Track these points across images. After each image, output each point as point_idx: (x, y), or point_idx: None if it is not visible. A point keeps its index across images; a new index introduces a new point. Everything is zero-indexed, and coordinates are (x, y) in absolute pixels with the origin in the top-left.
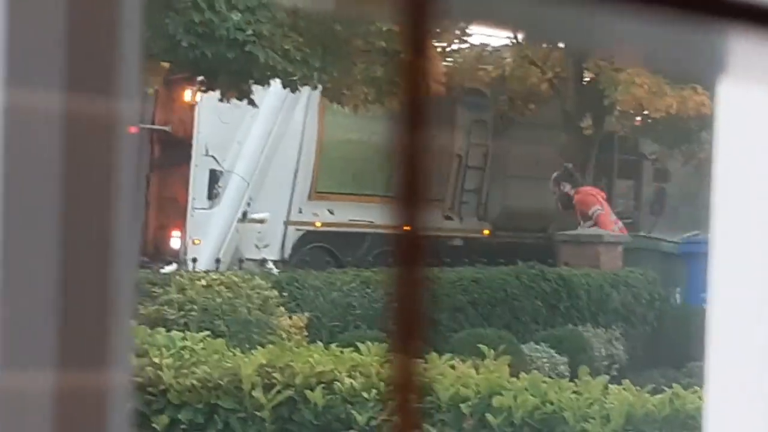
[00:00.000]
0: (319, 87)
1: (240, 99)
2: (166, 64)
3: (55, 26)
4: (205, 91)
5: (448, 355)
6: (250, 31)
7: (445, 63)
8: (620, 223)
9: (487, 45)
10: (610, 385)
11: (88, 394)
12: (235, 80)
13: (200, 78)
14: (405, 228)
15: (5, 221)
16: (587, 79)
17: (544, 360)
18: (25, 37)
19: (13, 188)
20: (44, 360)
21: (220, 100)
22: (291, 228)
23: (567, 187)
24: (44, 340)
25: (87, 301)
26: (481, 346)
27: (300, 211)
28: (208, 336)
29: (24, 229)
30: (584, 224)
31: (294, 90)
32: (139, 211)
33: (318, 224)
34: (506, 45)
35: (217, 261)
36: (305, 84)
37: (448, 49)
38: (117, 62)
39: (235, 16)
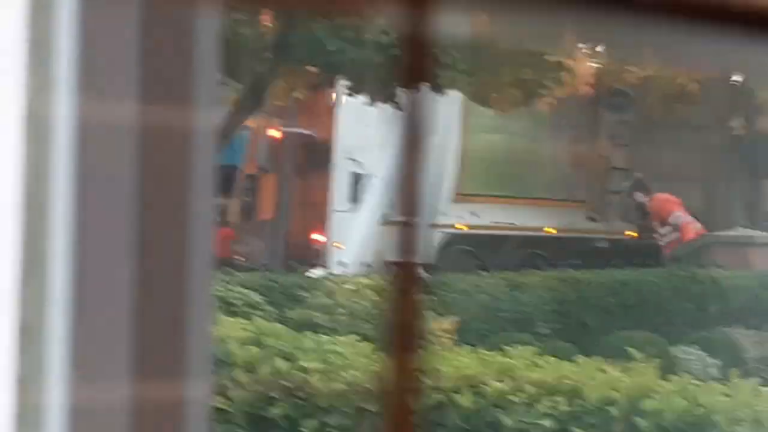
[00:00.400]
0: (465, 89)
1: (385, 102)
2: (312, 69)
3: (129, 37)
4: (350, 95)
5: (597, 358)
6: (396, 35)
7: (591, 64)
8: (698, 225)
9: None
10: (761, 388)
11: (165, 407)
12: (380, 83)
13: (345, 82)
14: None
15: (81, 232)
16: (737, 78)
17: (695, 362)
18: (100, 49)
19: (89, 200)
20: (120, 372)
21: (366, 103)
22: (435, 231)
23: (640, 197)
24: (120, 353)
25: (162, 312)
26: (630, 348)
27: (444, 214)
28: (356, 340)
29: (99, 240)
30: (662, 230)
31: (439, 92)
32: (213, 222)
33: (462, 227)
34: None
35: (364, 264)
36: (451, 86)
37: (594, 50)
38: (192, 73)
39: (381, 20)
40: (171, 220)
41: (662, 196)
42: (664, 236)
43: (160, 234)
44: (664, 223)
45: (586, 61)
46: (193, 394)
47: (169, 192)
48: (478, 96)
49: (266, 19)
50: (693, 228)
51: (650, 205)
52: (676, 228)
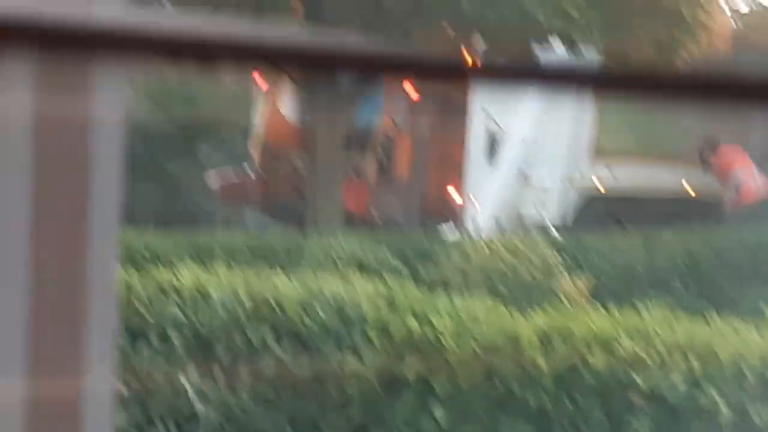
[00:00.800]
0: (600, 48)
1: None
2: (447, 27)
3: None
4: (486, 55)
5: (730, 317)
6: None
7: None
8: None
9: None
10: None
11: (62, 403)
12: (516, 41)
13: (481, 40)
14: None
15: None
16: None
17: None
18: None
19: None
20: (14, 369)
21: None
22: (572, 190)
23: (707, 155)
24: (13, 348)
25: (60, 307)
26: (764, 307)
27: (582, 174)
28: (489, 299)
29: None
30: (725, 188)
31: (575, 51)
32: (117, 215)
33: (600, 187)
34: None
35: (498, 223)
36: (586, 45)
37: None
38: (90, 63)
39: None
40: (70, 212)
41: (726, 150)
42: (726, 195)
43: (56, 226)
44: (726, 180)
45: (724, 19)
46: (93, 389)
47: (68, 184)
48: (613, 55)
49: None
50: (755, 189)
51: (714, 162)
52: (737, 188)
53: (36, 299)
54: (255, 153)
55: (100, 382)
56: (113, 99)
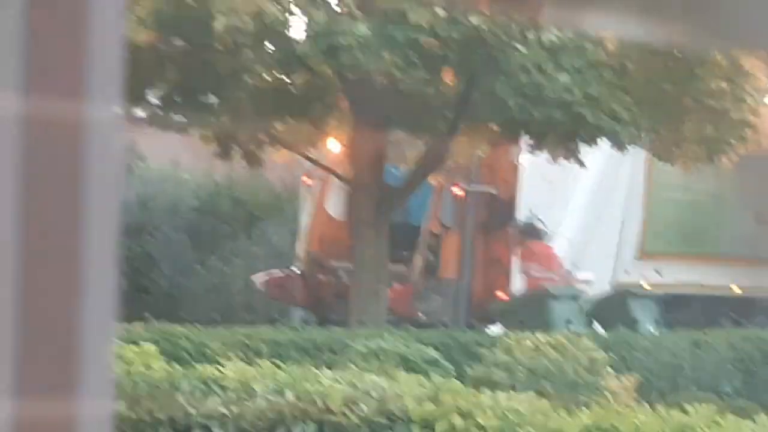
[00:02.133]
0: (647, 146)
1: (567, 159)
2: (494, 126)
3: (12, 24)
4: (531, 152)
5: None
6: (578, 92)
7: None
8: None
9: None
10: None
11: (53, 427)
12: (563, 140)
13: (527, 139)
14: None
15: None
16: None
17: None
18: None
19: None
20: (1, 388)
21: (549, 160)
22: (617, 288)
23: None
24: (2, 366)
25: (52, 323)
26: None
27: (626, 272)
28: (534, 397)
29: None
30: None
31: (621, 149)
32: (117, 224)
33: (646, 285)
34: None
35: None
36: (633, 143)
37: None
38: (86, 64)
39: (563, 78)
40: (63, 221)
41: None
42: None
43: (48, 236)
44: None
45: None
46: (88, 413)
47: (61, 191)
48: (661, 152)
49: (448, 78)
50: None
51: None
52: None
53: (26, 313)
54: (301, 251)
55: (97, 405)
56: (109, 96)
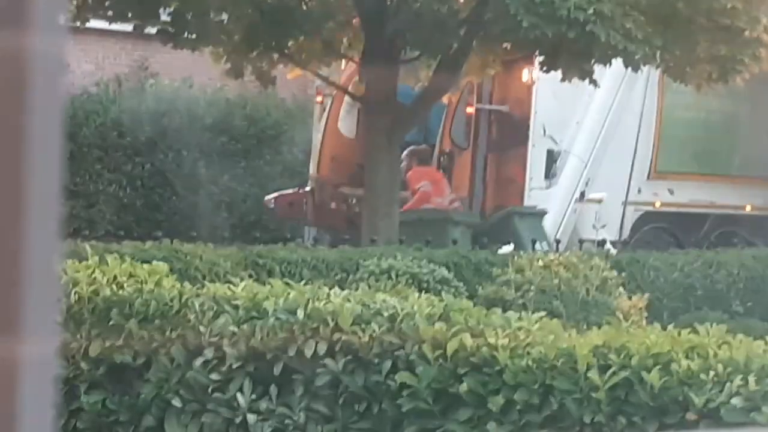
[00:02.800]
0: (660, 65)
1: (581, 78)
2: (506, 45)
3: None
4: (545, 71)
5: None
6: (591, 11)
7: None
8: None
9: None
10: None
11: None
12: (576, 60)
13: (540, 58)
14: None
15: None
16: None
17: None
18: None
19: None
20: None
21: (561, 80)
22: (630, 208)
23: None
24: None
25: None
26: None
27: (639, 191)
28: (545, 316)
29: None
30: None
31: (635, 69)
32: (61, 163)
33: (657, 204)
34: None
35: (556, 241)
36: (646, 63)
37: None
38: None
39: None
40: (5, 153)
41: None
42: None
43: None
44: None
45: None
46: (32, 353)
47: (3, 124)
48: (674, 72)
49: None
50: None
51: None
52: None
53: None
54: (314, 170)
55: (41, 345)
56: (54, 26)
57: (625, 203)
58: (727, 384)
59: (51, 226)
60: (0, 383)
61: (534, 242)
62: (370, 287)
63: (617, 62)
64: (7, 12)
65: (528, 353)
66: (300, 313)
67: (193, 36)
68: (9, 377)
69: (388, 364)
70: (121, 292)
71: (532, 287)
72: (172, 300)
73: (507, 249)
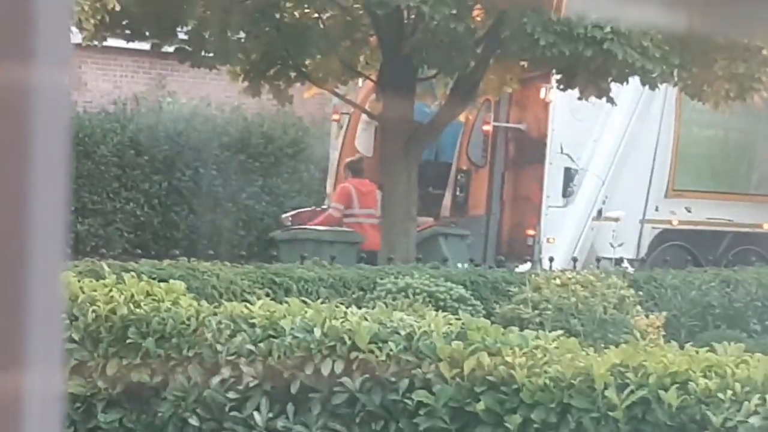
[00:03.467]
0: (678, 83)
1: (598, 97)
2: (523, 63)
3: None
4: (562, 90)
5: None
6: (608, 29)
7: None
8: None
9: None
10: None
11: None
12: (593, 78)
13: (557, 76)
14: None
15: None
16: None
17: None
18: None
19: None
20: None
21: (579, 98)
22: (647, 226)
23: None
24: None
25: None
26: None
27: (656, 209)
28: (562, 335)
29: None
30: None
31: (652, 87)
32: (66, 194)
33: (675, 222)
34: None
35: (573, 260)
36: (664, 81)
37: None
38: (31, 25)
39: (593, 13)
40: (6, 188)
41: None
42: None
43: None
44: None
45: None
46: (37, 385)
47: (7, 156)
48: (691, 90)
49: (477, 14)
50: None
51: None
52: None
53: None
54: (330, 187)
55: (45, 380)
56: (59, 59)
57: (642, 221)
58: (745, 403)
59: (56, 258)
60: (5, 416)
61: (447, 261)
62: (387, 306)
63: (634, 80)
64: (11, 43)
65: (545, 372)
66: (317, 332)
67: (211, 54)
68: (14, 410)
69: (405, 382)
70: (138, 310)
71: (550, 306)
72: (189, 318)
73: (524, 267)
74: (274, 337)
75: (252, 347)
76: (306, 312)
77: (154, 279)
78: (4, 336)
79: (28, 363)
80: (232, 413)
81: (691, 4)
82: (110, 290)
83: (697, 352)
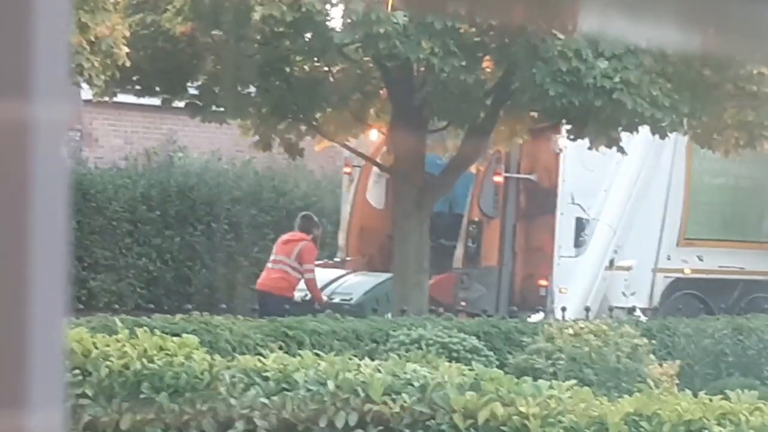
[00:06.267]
0: (688, 132)
1: (608, 146)
2: (532, 114)
3: None
4: (572, 140)
5: None
6: (617, 79)
7: None
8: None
9: None
10: None
11: None
12: (603, 128)
13: (567, 126)
14: None
15: None
16: None
17: None
18: None
19: None
20: None
21: (589, 148)
22: (659, 275)
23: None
24: None
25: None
26: None
27: (668, 258)
28: (576, 384)
29: None
30: None
31: (662, 136)
32: (65, 233)
33: (687, 271)
34: None
35: (586, 309)
36: (673, 130)
37: None
38: (30, 64)
39: (602, 64)
40: (8, 224)
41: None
42: None
43: None
44: None
45: None
46: (39, 426)
47: (5, 195)
48: (701, 139)
49: (487, 65)
50: None
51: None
52: None
53: None
54: (342, 240)
55: (47, 422)
56: (56, 96)
57: (654, 270)
58: None
59: (56, 298)
60: None
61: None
62: (400, 357)
63: (644, 129)
64: (10, 81)
65: (559, 422)
66: (330, 384)
67: (221, 109)
68: None
69: None
70: (151, 365)
71: (563, 355)
72: (202, 373)
73: (537, 317)
74: (287, 390)
75: (266, 400)
76: (319, 364)
77: (167, 333)
78: (6, 377)
79: (30, 403)
80: None
81: (701, 31)
82: (123, 345)
83: (711, 400)
